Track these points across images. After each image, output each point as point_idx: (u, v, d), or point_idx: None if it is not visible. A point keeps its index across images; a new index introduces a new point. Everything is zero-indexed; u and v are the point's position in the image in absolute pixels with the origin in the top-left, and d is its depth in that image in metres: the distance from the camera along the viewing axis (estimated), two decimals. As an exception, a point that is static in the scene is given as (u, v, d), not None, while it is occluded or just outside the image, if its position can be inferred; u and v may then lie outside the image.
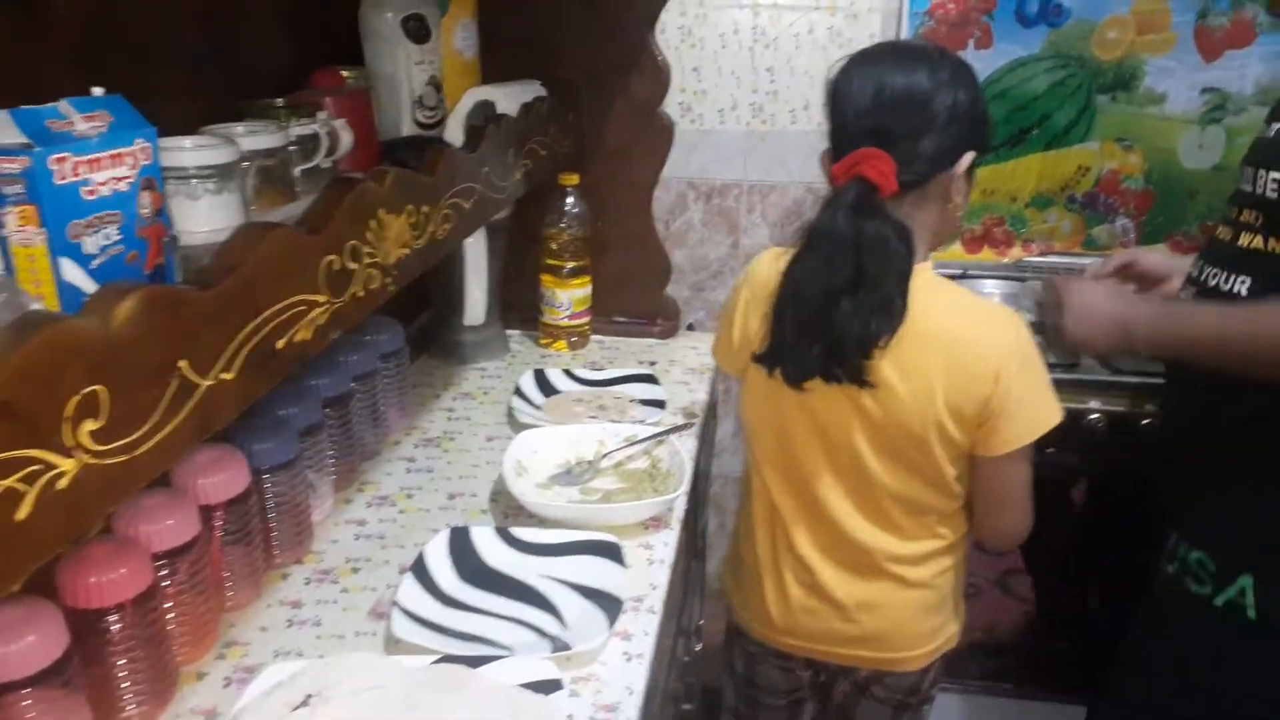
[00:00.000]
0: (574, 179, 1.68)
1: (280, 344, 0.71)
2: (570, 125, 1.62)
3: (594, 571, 1.08)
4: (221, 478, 0.99)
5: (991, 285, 2.14)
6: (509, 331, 1.84)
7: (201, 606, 0.97)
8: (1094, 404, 1.77)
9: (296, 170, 1.10)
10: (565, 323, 1.76)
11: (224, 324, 0.65)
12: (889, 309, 1.04)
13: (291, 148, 1.09)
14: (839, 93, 1.10)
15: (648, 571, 1.13)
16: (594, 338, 1.83)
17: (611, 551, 1.10)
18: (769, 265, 1.15)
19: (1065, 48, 2.09)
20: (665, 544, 1.18)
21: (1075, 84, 2.11)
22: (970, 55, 2.10)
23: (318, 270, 0.77)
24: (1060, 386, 1.15)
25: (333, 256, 0.79)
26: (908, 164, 1.04)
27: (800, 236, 1.07)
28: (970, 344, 1.08)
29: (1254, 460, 1.19)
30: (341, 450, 1.25)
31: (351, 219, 0.83)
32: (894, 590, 1.20)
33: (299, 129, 1.10)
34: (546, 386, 1.58)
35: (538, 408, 1.51)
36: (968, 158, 1.08)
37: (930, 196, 1.09)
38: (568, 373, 1.62)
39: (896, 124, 1.05)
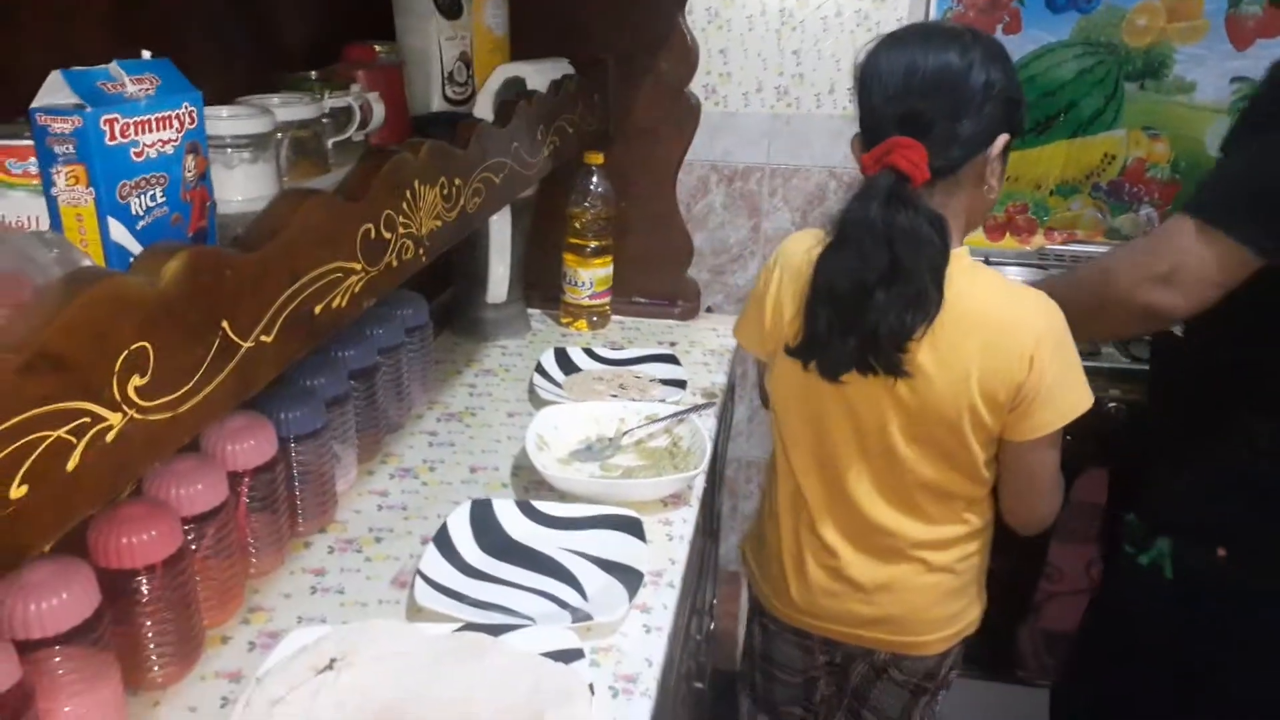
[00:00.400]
0: (599, 158, 1.69)
1: (318, 309, 0.72)
2: (597, 104, 1.62)
3: (615, 545, 1.09)
4: (250, 445, 1.00)
5: (1013, 273, 2.13)
6: (530, 310, 1.84)
7: (227, 571, 0.98)
8: (1113, 392, 1.77)
9: (329, 142, 1.10)
10: (586, 302, 1.77)
11: (265, 287, 0.66)
12: (923, 301, 1.03)
13: (325, 120, 1.10)
14: (868, 76, 1.09)
15: (667, 547, 1.14)
16: (614, 318, 1.83)
17: (632, 526, 1.11)
18: (802, 248, 1.15)
19: (1095, 34, 2.07)
20: (685, 520, 1.19)
21: (1104, 71, 2.10)
22: (1000, 40, 2.09)
23: (355, 238, 0.77)
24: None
25: (369, 225, 0.79)
26: (940, 150, 1.03)
27: (832, 227, 1.07)
28: (1006, 328, 1.07)
29: (1181, 430, 1.27)
30: (366, 422, 1.27)
31: (388, 188, 0.83)
32: (916, 574, 1.21)
33: (332, 101, 1.10)
34: (568, 365, 1.59)
35: (559, 385, 1.52)
36: (1002, 140, 1.07)
37: (964, 181, 1.08)
38: (589, 351, 1.63)
39: (928, 107, 1.03)
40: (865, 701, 1.37)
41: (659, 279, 1.85)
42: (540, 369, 1.54)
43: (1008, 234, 2.27)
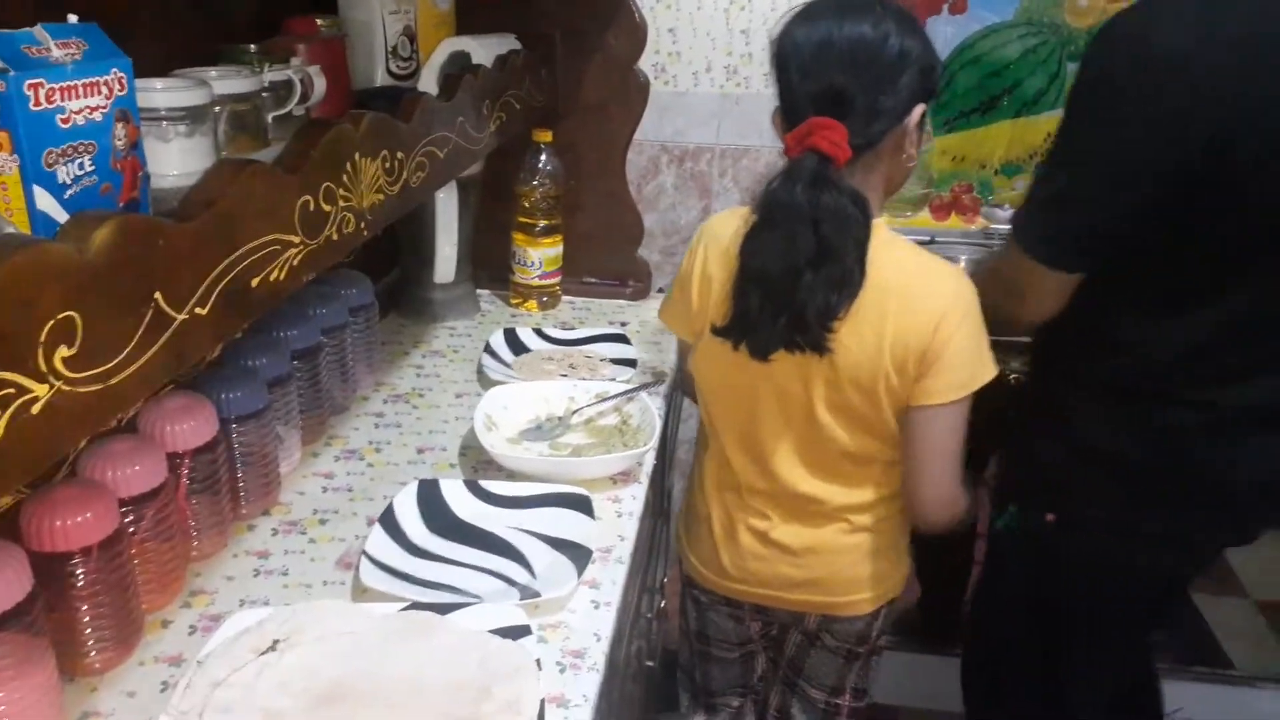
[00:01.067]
0: (548, 135, 1.67)
1: (254, 282, 0.71)
2: (545, 80, 1.60)
3: (563, 523, 1.09)
4: (190, 425, 0.98)
5: (960, 252, 2.16)
6: (479, 290, 1.83)
7: (168, 554, 0.96)
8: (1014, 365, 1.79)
9: (269, 116, 1.08)
10: (536, 282, 1.76)
11: (200, 258, 0.64)
12: (849, 280, 1.05)
13: (265, 94, 1.08)
14: (783, 53, 1.08)
15: (616, 524, 1.14)
16: (565, 298, 1.83)
17: (581, 504, 1.11)
18: (729, 229, 1.14)
19: (1038, 14, 2.10)
20: (634, 498, 1.19)
21: (1047, 51, 2.13)
22: (944, 20, 2.11)
23: (293, 210, 0.76)
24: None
25: (308, 197, 0.78)
26: (861, 128, 1.04)
27: (758, 208, 1.07)
28: (915, 295, 1.09)
29: (1026, 400, 1.37)
30: (309, 403, 1.25)
31: (327, 161, 0.82)
32: (840, 535, 1.24)
33: (272, 75, 1.08)
34: (517, 345, 1.58)
35: (508, 366, 1.51)
36: (919, 110, 1.08)
37: (883, 154, 1.10)
38: (538, 331, 1.62)
39: (847, 83, 1.04)
40: (800, 672, 1.39)
41: (610, 259, 1.85)
42: (489, 349, 1.53)
43: (953, 214, 2.30)
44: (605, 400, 1.34)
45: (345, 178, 0.85)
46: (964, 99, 2.18)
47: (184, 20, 1.10)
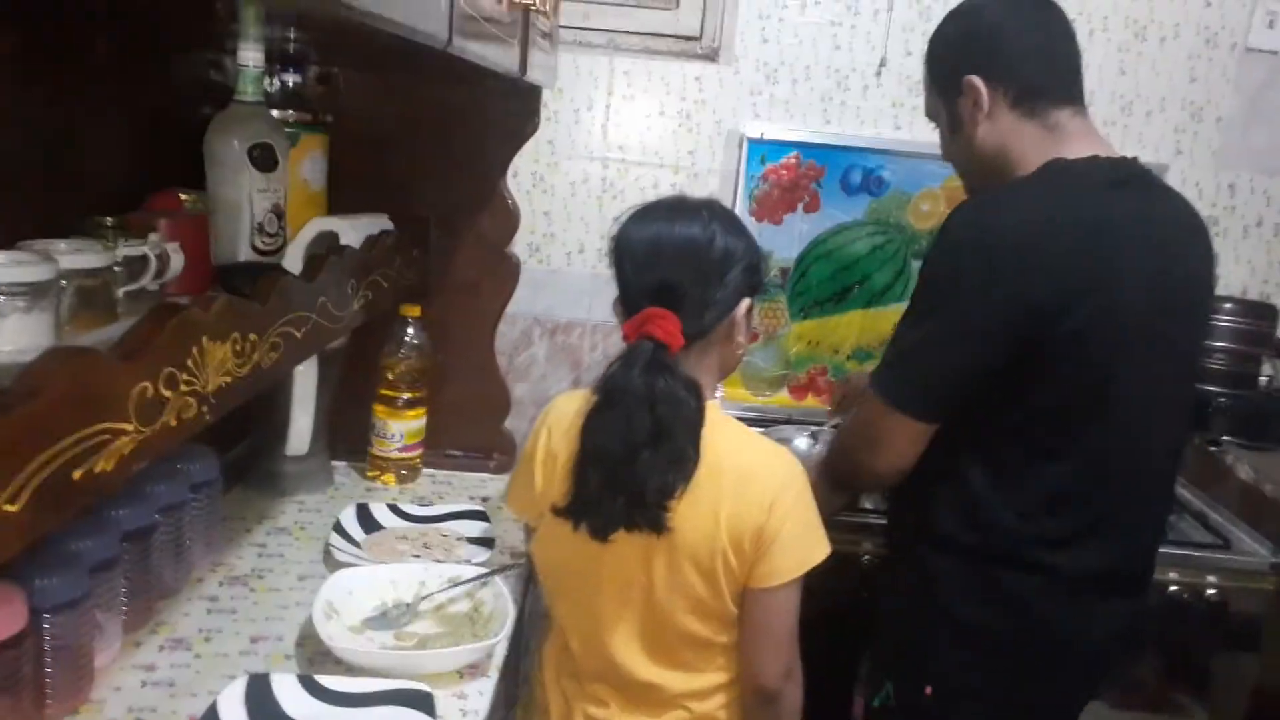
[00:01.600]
0: (416, 310, 1.68)
1: (77, 475, 0.67)
2: (416, 259, 1.63)
3: (404, 724, 1.03)
4: (-9, 617, 0.90)
5: (812, 430, 2.24)
6: (335, 463, 1.78)
7: (-51, 765, 0.86)
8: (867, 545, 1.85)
9: (120, 291, 1.06)
10: (396, 455, 1.72)
11: (16, 451, 0.61)
12: (683, 459, 1.09)
13: (117, 268, 1.06)
14: (620, 248, 1.18)
15: (462, 724, 1.08)
16: (425, 471, 1.79)
17: (421, 702, 1.06)
18: (571, 409, 1.18)
19: (884, 215, 2.29)
20: (480, 693, 1.14)
21: (893, 249, 2.31)
22: (800, 217, 2.28)
23: (128, 398, 0.73)
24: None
25: (146, 384, 0.76)
26: (693, 318, 1.13)
27: (598, 389, 1.12)
28: (750, 476, 1.13)
29: (893, 568, 1.42)
30: (137, 588, 1.16)
31: (172, 346, 0.80)
32: None
33: (127, 249, 1.06)
34: (369, 522, 1.53)
35: (358, 545, 1.46)
36: (745, 303, 1.18)
37: (714, 342, 1.18)
38: (393, 508, 1.58)
39: (677, 277, 1.13)
40: None
41: (475, 431, 1.84)
42: (338, 527, 1.48)
43: (810, 394, 2.41)
44: (457, 585, 1.30)
45: (190, 362, 0.83)
46: (818, 289, 2.32)
47: (44, 192, 1.08)
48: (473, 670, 1.18)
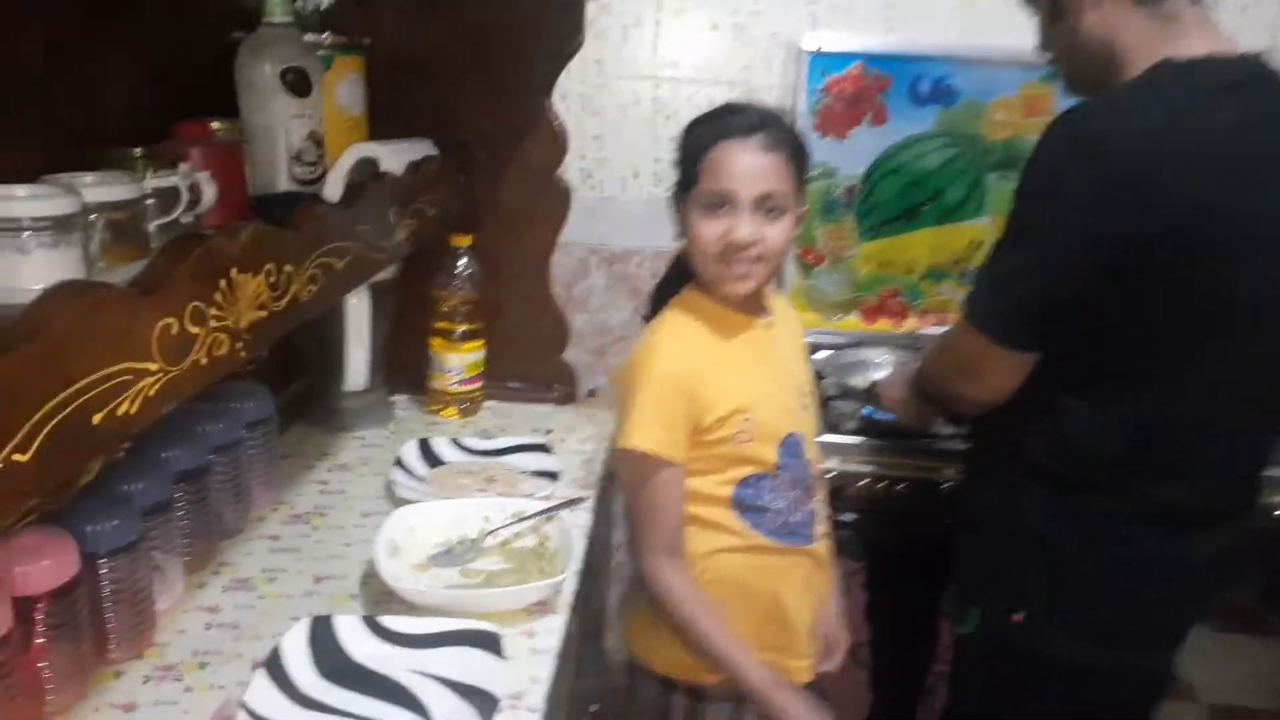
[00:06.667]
0: (466, 240, 1.63)
1: (97, 418, 0.63)
2: (463, 187, 1.56)
3: (469, 665, 1.00)
4: (44, 565, 0.88)
5: (887, 355, 2.15)
6: (395, 397, 1.75)
7: (13, 716, 0.85)
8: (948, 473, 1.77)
9: (152, 225, 1.01)
10: (455, 388, 1.68)
11: (21, 395, 0.56)
12: None
13: (149, 201, 1.01)
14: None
15: (529, 663, 1.04)
16: (486, 404, 1.75)
17: (489, 642, 1.02)
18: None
19: (956, 127, 2.14)
20: (550, 631, 1.10)
21: (965, 162, 2.16)
22: (865, 131, 2.14)
23: (150, 335, 0.69)
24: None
25: (170, 320, 0.71)
26: None
27: None
28: None
29: (981, 493, 1.32)
30: (196, 528, 1.15)
31: (196, 278, 0.75)
32: None
33: (155, 181, 1.01)
34: (431, 457, 1.50)
35: (421, 480, 1.42)
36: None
37: None
38: (455, 442, 1.54)
39: None
40: None
41: (534, 363, 1.79)
42: (400, 463, 1.45)
43: (881, 317, 2.30)
44: (523, 520, 1.26)
45: (219, 295, 0.79)
46: (887, 207, 2.20)
47: (66, 123, 1.04)
48: (541, 608, 1.14)
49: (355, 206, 1.11)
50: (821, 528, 1.27)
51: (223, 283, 0.79)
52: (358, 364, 1.54)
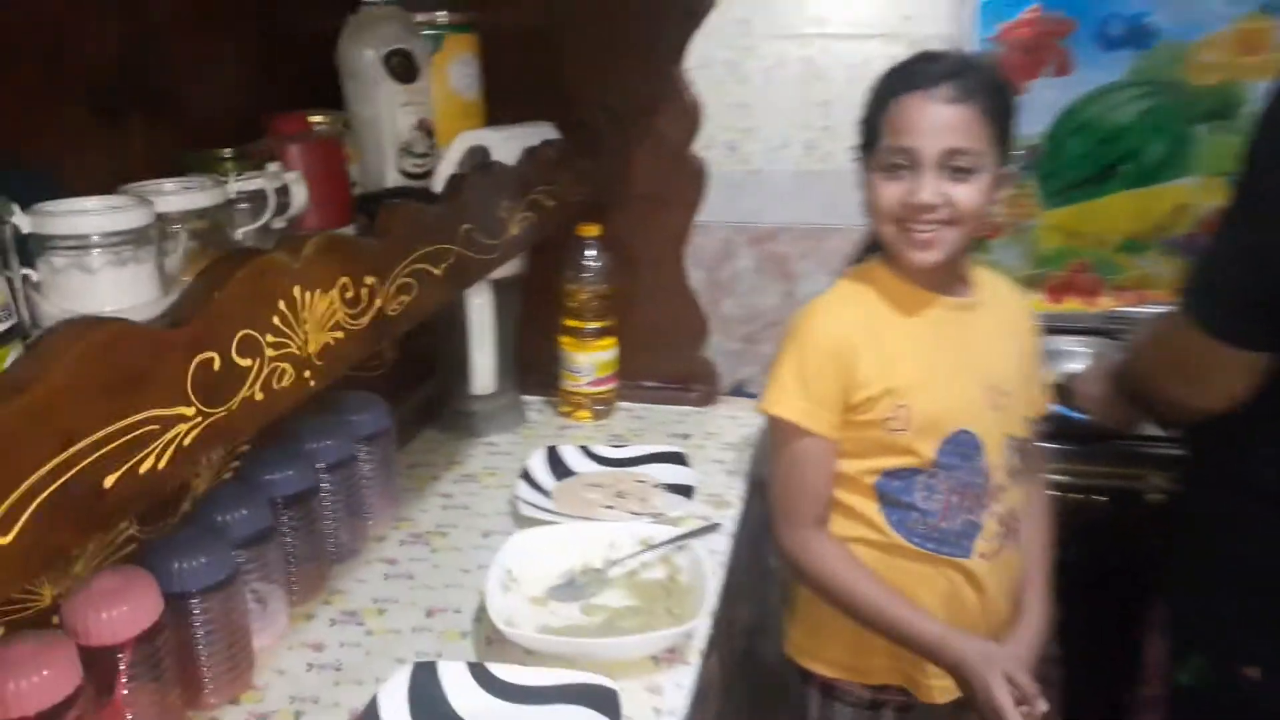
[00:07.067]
0: (594, 230, 1.50)
1: (110, 480, 0.53)
2: (588, 171, 1.43)
3: (582, 727, 0.87)
4: (123, 610, 0.81)
5: (1076, 342, 1.89)
6: (528, 398, 1.65)
7: (94, 772, 0.78)
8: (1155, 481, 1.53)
9: (240, 233, 0.93)
10: (587, 389, 1.56)
11: (12, 460, 0.47)
12: None
13: (242, 205, 0.93)
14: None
15: (653, 723, 0.91)
16: (621, 405, 1.63)
17: (604, 701, 0.89)
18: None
19: (1154, 73, 1.85)
20: (678, 686, 0.96)
21: (1166, 114, 1.87)
22: (1047, 83, 1.88)
23: (183, 375, 0.58)
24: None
25: (209, 354, 0.60)
26: None
27: None
28: None
29: (1208, 519, 1.10)
30: (304, 556, 1.07)
31: (245, 302, 0.64)
32: None
33: (240, 184, 0.93)
34: (559, 467, 1.38)
35: (547, 493, 1.31)
36: None
37: None
38: (585, 450, 1.42)
39: None
40: None
41: (671, 359, 1.64)
42: (526, 475, 1.34)
43: (1070, 295, 2.03)
44: (651, 549, 1.12)
45: (277, 320, 0.68)
46: (1075, 168, 1.93)
47: (149, 126, 0.97)
48: (670, 656, 1.00)
49: (456, 202, 0.99)
50: (990, 544, 1.08)
51: (281, 304, 0.68)
52: (482, 367, 1.44)
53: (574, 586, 1.09)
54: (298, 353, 0.71)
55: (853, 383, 1.05)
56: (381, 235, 0.84)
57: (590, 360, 1.54)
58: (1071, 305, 2.02)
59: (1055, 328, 1.95)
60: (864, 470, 1.08)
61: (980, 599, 1.09)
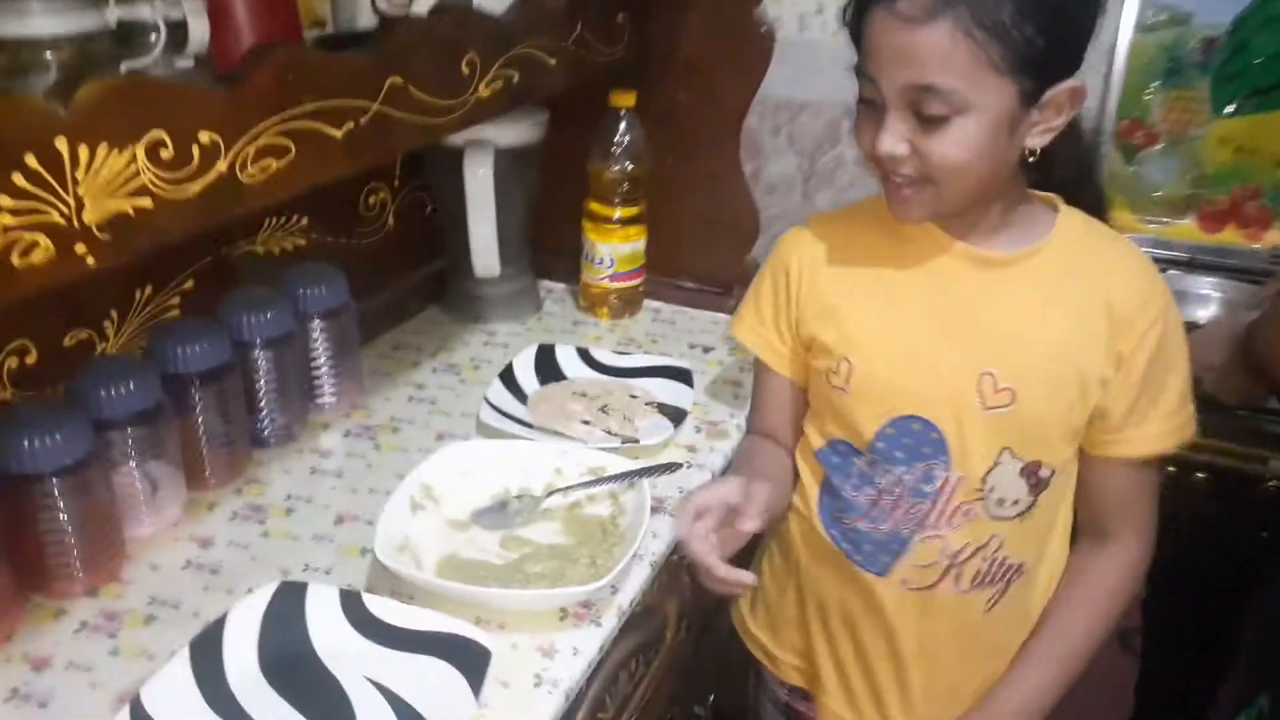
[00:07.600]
0: (629, 99, 1.29)
1: None
2: (620, 27, 1.22)
3: (434, 688, 0.74)
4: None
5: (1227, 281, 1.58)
6: (551, 284, 1.49)
7: None
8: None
9: (123, 68, 0.79)
10: (605, 284, 1.39)
11: None
12: None
13: (156, 36, 0.79)
14: None
15: (527, 698, 0.77)
16: (650, 304, 1.45)
17: (471, 660, 0.75)
18: None
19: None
20: (575, 653, 0.81)
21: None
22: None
23: None
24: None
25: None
26: None
27: None
28: None
29: None
30: (217, 438, 0.97)
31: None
32: None
33: (121, 10, 0.78)
34: (549, 369, 1.23)
35: (524, 398, 1.17)
36: None
37: None
38: (584, 354, 1.26)
39: None
40: None
41: (712, 258, 1.44)
42: (508, 375, 1.19)
43: (1231, 225, 1.69)
44: (597, 483, 0.96)
45: (20, 178, 0.54)
46: (1261, 71, 1.57)
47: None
48: (584, 612, 0.85)
49: (385, 50, 0.82)
50: (921, 573, 0.86)
51: (31, 158, 0.54)
52: (483, 247, 1.29)
53: (504, 512, 0.95)
54: (61, 221, 0.57)
55: (802, 314, 0.89)
56: (233, 82, 0.68)
57: (610, 250, 1.36)
58: (1229, 237, 1.69)
59: (1200, 262, 1.65)
60: (814, 431, 0.92)
61: (884, 634, 0.89)
